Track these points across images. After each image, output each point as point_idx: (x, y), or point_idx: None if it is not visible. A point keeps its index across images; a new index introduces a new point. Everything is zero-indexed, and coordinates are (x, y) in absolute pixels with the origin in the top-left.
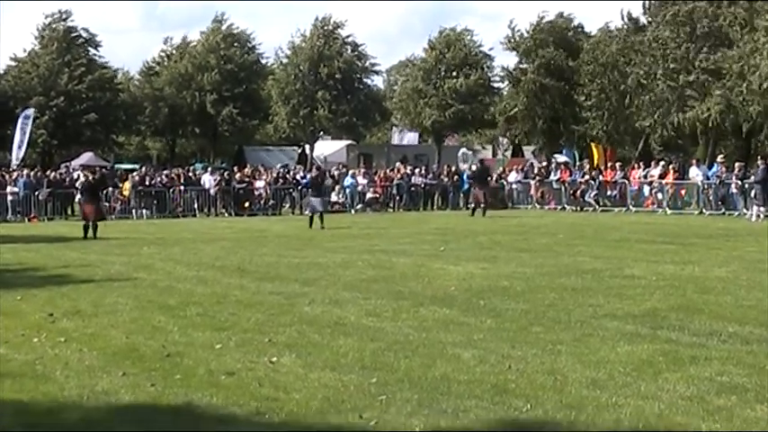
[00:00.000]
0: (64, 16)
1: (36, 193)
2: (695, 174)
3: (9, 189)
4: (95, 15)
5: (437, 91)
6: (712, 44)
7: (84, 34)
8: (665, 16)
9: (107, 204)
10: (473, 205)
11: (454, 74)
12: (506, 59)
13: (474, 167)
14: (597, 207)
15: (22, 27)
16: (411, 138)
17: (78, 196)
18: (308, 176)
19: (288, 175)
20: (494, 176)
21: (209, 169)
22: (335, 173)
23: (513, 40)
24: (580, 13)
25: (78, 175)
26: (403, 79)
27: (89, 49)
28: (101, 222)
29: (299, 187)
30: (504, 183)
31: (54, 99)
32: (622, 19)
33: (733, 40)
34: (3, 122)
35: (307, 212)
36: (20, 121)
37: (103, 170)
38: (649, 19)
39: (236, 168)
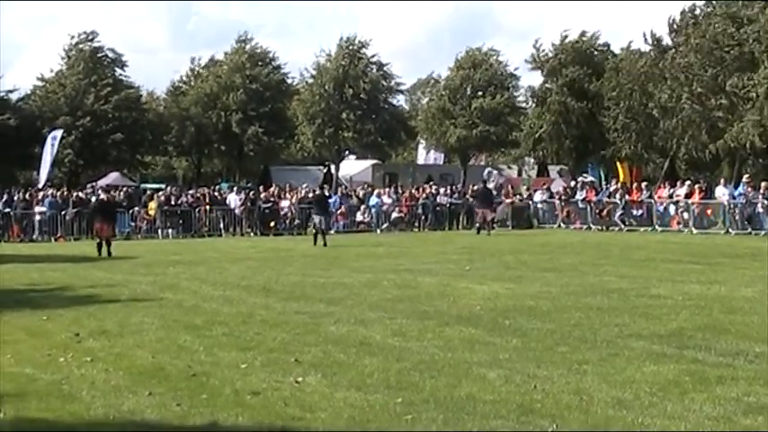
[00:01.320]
0: (90, 37)
1: (62, 212)
2: (721, 193)
3: (36, 209)
4: (124, 35)
5: (463, 111)
6: (739, 67)
7: (111, 54)
8: (688, 40)
9: (133, 224)
10: (478, 225)
11: (480, 94)
12: (532, 78)
13: (477, 187)
14: (623, 226)
15: (48, 48)
16: (436, 157)
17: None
18: (311, 195)
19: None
20: (511, 196)
21: (235, 189)
22: (361, 192)
23: (537, 59)
24: (606, 30)
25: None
26: (428, 98)
27: (115, 69)
28: (115, 241)
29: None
30: (530, 202)
31: (80, 119)
32: (646, 42)
33: (757, 63)
34: (30, 142)
35: (330, 230)
36: (48, 141)
37: (129, 191)
38: (675, 39)
39: (261, 188)
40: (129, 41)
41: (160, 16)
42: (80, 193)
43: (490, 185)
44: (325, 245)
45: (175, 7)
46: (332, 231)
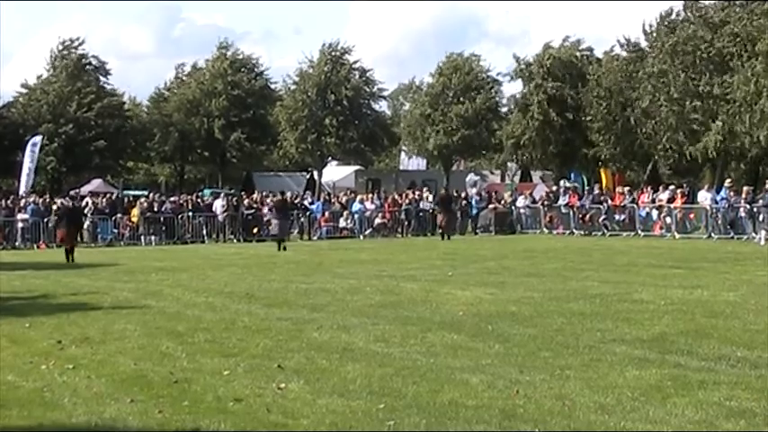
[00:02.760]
0: (75, 44)
1: (45, 220)
2: (704, 198)
3: (19, 216)
4: (110, 41)
5: (444, 116)
6: (713, 71)
7: (95, 62)
8: (664, 45)
9: (115, 231)
10: (441, 231)
11: (460, 99)
12: (515, 84)
13: (439, 193)
14: (606, 231)
15: (34, 55)
16: (419, 163)
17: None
18: (272, 201)
19: (296, 201)
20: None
21: (221, 195)
22: (344, 198)
23: (518, 73)
24: (594, 34)
25: (87, 202)
26: (410, 105)
27: (99, 76)
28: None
29: (308, 213)
30: (513, 207)
31: (63, 126)
32: (621, 47)
33: (733, 68)
34: (12, 150)
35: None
36: (28, 148)
37: (112, 197)
38: (649, 45)
39: (244, 194)
40: (115, 47)
41: (147, 22)
42: (62, 201)
43: (473, 191)
44: (285, 249)
45: (162, 14)
46: (315, 237)
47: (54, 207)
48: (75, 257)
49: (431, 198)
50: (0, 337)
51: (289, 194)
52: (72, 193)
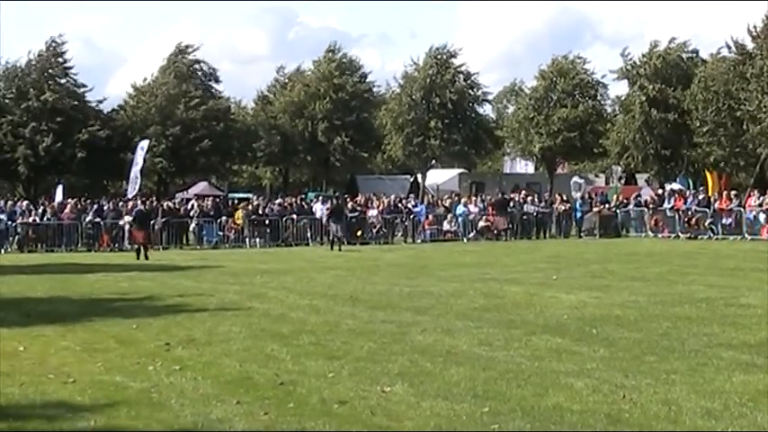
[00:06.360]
0: (187, 50)
1: (151, 222)
2: None
3: (126, 218)
4: (225, 44)
5: (546, 120)
6: None
7: (205, 67)
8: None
9: (220, 233)
10: (496, 234)
11: (564, 102)
12: (622, 86)
13: (495, 197)
14: (712, 235)
15: (146, 59)
16: (526, 166)
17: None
18: (327, 205)
19: (400, 204)
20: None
21: (321, 198)
22: (447, 201)
23: (624, 70)
24: (704, 37)
25: (192, 205)
26: (514, 107)
27: (208, 81)
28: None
29: (412, 216)
30: (617, 210)
31: (170, 128)
32: (728, 49)
33: None
34: (120, 151)
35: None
36: (137, 151)
37: (217, 200)
38: (757, 47)
39: (348, 197)
40: (229, 51)
41: (262, 26)
42: (169, 203)
43: (577, 195)
44: (340, 250)
45: (278, 17)
46: (418, 240)
47: (160, 210)
48: (147, 255)
49: (534, 201)
50: (108, 337)
51: (393, 197)
52: (178, 195)
